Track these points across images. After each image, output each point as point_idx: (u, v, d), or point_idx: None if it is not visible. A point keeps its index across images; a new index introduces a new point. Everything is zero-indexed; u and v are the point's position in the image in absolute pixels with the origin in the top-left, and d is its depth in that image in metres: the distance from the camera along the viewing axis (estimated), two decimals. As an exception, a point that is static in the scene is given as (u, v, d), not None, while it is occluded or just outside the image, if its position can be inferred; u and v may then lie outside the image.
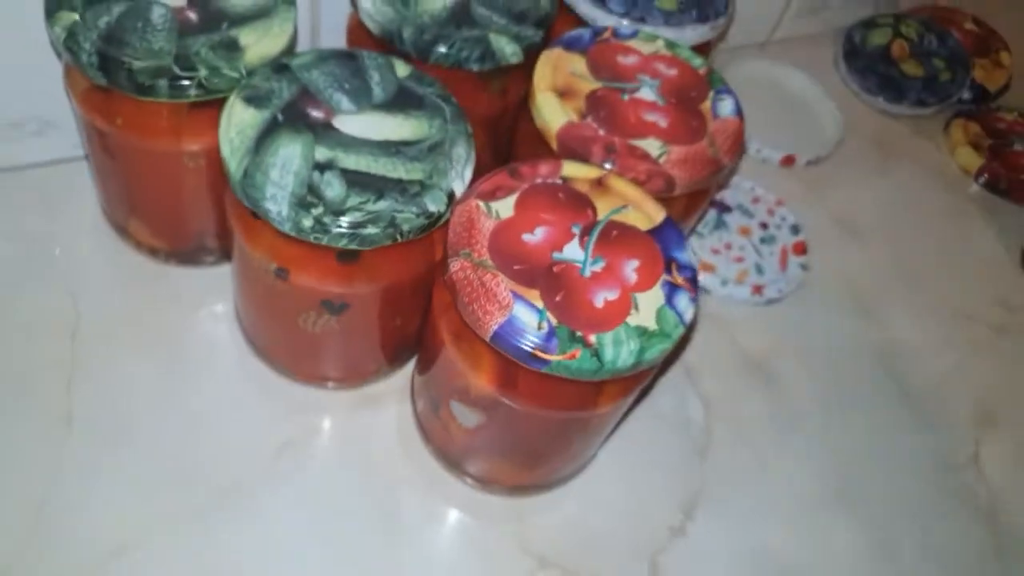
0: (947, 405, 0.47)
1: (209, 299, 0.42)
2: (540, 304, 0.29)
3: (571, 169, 0.34)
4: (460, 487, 0.39)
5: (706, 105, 0.38)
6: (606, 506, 0.40)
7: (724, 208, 0.51)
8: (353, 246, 0.31)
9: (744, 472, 0.42)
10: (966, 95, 0.63)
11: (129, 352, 0.40)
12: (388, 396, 0.41)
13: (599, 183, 0.34)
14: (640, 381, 0.32)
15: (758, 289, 0.48)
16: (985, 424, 0.46)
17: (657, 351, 0.29)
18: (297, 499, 0.37)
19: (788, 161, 0.55)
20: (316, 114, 0.33)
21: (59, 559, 0.34)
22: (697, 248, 0.49)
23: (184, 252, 0.42)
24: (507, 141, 0.41)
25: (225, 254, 0.42)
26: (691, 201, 0.37)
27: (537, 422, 0.32)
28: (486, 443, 0.35)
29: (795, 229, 0.51)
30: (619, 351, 0.29)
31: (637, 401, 0.40)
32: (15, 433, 0.36)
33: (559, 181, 0.33)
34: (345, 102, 0.34)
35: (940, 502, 0.43)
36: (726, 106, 0.38)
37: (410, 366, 0.41)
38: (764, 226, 0.51)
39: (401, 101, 0.34)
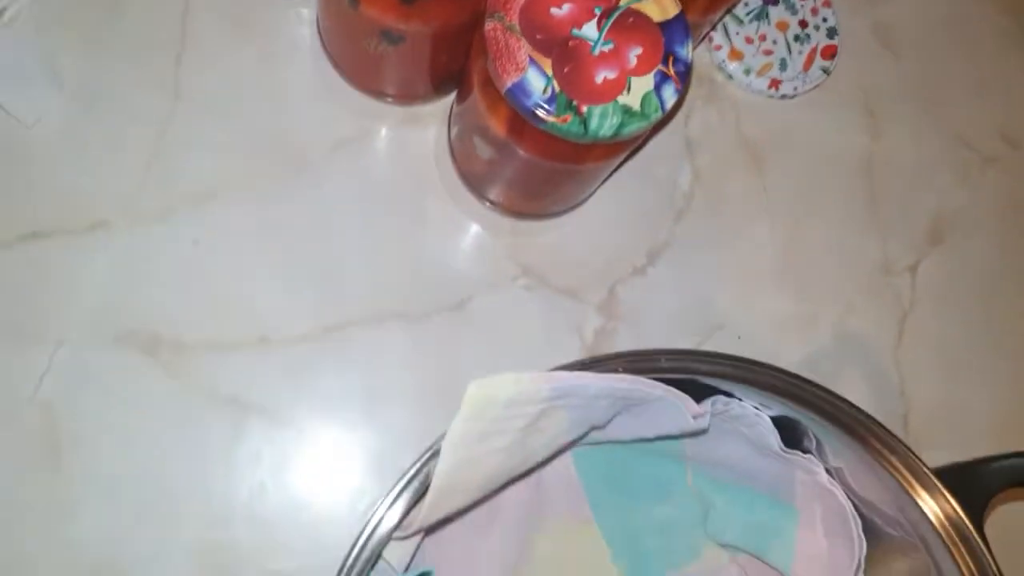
0: (908, 218, 0.53)
1: (297, 2, 0.49)
2: (550, 72, 0.36)
3: (610, -48, 0.38)
4: (475, 203, 0.48)
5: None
6: (586, 240, 0.49)
7: (771, 0, 0.54)
8: (411, -8, 0.37)
9: (709, 239, 0.51)
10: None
11: (227, 36, 0.48)
12: (431, 118, 0.49)
13: (631, -30, 0.38)
14: (622, 148, 0.40)
15: (775, 83, 0.53)
16: (934, 242, 0.53)
17: (634, 128, 0.36)
18: (346, 183, 0.47)
19: (852, -39, 0.57)
20: None
21: (163, 199, 0.45)
22: (733, 35, 0.53)
23: (277, -44, 0.48)
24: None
25: (312, -35, 0.48)
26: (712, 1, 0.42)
27: (536, 166, 0.40)
28: (497, 174, 0.44)
29: (831, 32, 0.54)
30: (603, 123, 0.36)
31: (627, 160, 0.47)
32: (130, 99, 0.46)
33: (597, -38, 0.38)
34: None
35: (870, 299, 0.52)
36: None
37: (452, 96, 0.48)
38: (803, 24, 0.54)
39: None
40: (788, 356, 0.50)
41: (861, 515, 0.40)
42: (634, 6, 0.38)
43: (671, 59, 0.37)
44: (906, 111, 0.55)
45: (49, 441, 0.41)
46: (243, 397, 0.43)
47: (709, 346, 0.49)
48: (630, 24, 0.38)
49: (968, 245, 0.54)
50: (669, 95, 0.37)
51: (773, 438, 0.39)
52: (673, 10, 0.38)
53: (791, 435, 0.40)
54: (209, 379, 0.43)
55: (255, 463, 0.42)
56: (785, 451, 0.40)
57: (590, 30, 0.37)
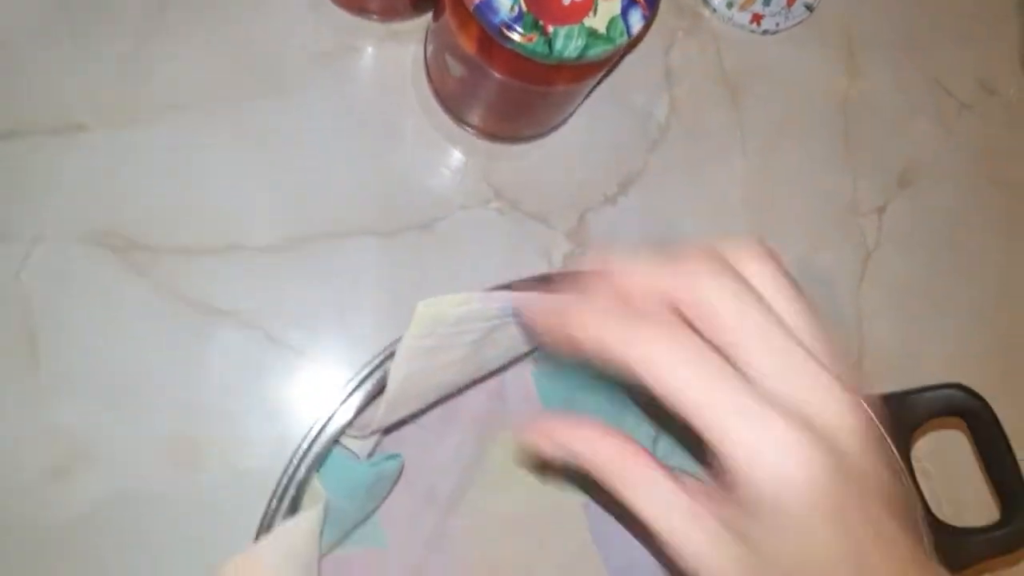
0: (880, 160, 0.54)
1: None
2: (518, -9, 0.36)
3: None
4: (450, 124, 0.49)
5: None
6: (560, 166, 0.50)
7: (761, -69, 0.54)
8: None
9: (682, 171, 0.51)
10: None
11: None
12: (410, 35, 0.49)
13: None
14: (591, 72, 0.40)
15: (757, 18, 0.53)
16: (904, 184, 0.54)
17: (599, 51, 0.37)
18: (324, 98, 0.47)
19: None
20: None
21: (139, 105, 0.45)
22: (719, -34, 0.53)
23: None
24: None
25: None
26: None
27: (506, 87, 0.41)
28: (469, 94, 0.44)
29: (818, -31, 0.54)
30: (568, 44, 0.36)
31: (601, 85, 0.48)
32: (111, 2, 0.46)
33: None
34: None
35: (835, 237, 0.53)
36: None
37: (430, 14, 0.48)
38: (791, -41, 0.54)
39: None
40: (750, 289, 0.51)
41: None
42: (608, -72, 0.38)
43: (641, -16, 0.38)
44: (887, 53, 0.55)
45: (25, 333, 0.42)
46: (214, 300, 0.44)
47: (673, 276, 0.50)
48: (602, -53, 0.38)
49: (937, 190, 0.54)
50: (636, 20, 0.37)
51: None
52: (647, -66, 0.38)
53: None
54: (180, 282, 0.44)
55: (224, 365, 0.44)
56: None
57: (562, -49, 0.37)
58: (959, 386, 0.38)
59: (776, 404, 0.22)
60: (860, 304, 0.52)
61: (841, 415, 0.23)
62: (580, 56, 0.37)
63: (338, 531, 0.37)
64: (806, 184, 0.53)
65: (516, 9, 0.36)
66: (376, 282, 0.46)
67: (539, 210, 0.49)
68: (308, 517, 0.33)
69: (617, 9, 0.37)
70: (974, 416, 0.38)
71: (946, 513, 0.51)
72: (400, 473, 0.39)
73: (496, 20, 0.36)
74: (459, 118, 0.48)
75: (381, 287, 0.46)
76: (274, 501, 0.33)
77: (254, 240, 0.45)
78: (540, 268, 0.49)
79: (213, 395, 0.44)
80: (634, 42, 0.40)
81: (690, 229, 0.51)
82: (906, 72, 0.55)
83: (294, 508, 0.34)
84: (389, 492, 0.40)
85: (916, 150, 0.55)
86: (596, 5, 0.37)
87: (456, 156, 0.49)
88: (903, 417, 0.37)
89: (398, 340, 0.33)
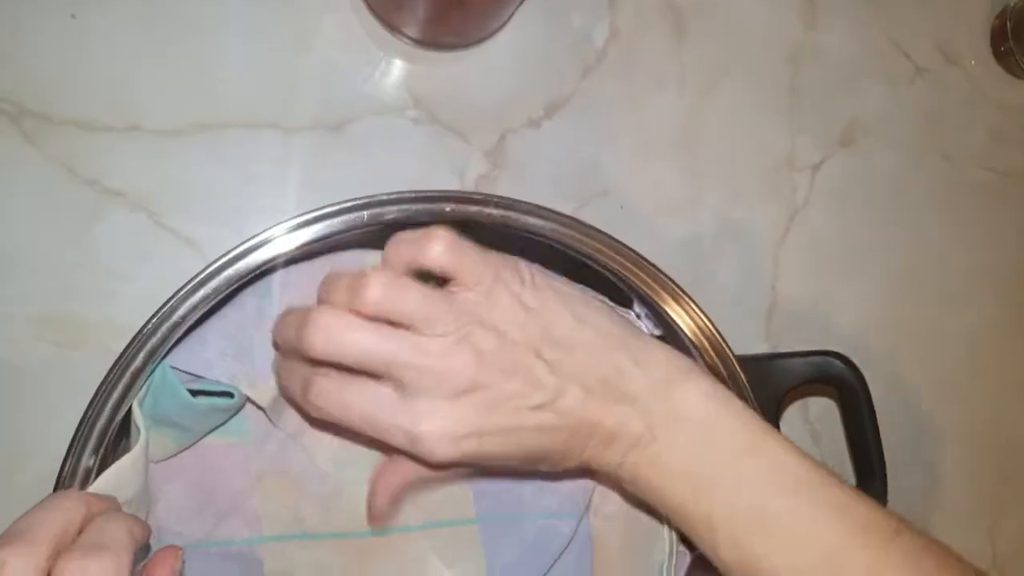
0: (823, 115, 0.52)
1: None
2: None
3: None
4: (374, 23, 0.46)
5: None
6: (486, 81, 0.48)
7: None
8: None
9: (612, 102, 0.49)
10: None
11: None
12: (342, -77, 0.46)
13: None
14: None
15: (715, -51, 0.50)
16: (844, 143, 0.52)
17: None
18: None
19: None
20: None
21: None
22: None
23: None
24: None
25: None
26: None
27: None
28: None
29: (789, -97, 0.51)
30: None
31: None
32: None
33: None
34: None
35: (764, 190, 0.51)
36: None
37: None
38: None
39: None
40: (668, 232, 0.50)
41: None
42: None
43: None
44: (847, 5, 0.52)
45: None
46: (105, 180, 0.43)
47: (589, 211, 0.49)
48: None
49: (877, 153, 0.53)
50: (552, -70, 0.35)
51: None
52: None
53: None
54: (72, 157, 0.43)
55: (110, 246, 0.43)
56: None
57: None
58: (835, 354, 0.37)
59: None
60: (779, 261, 0.51)
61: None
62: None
63: (186, 435, 0.37)
64: (742, 131, 0.51)
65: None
66: (275, 179, 0.45)
67: (458, 125, 0.47)
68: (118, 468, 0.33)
69: (532, -84, 0.35)
70: (846, 386, 0.37)
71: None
72: (241, 406, 0.38)
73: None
74: (382, 18, 0.46)
75: (279, 184, 0.45)
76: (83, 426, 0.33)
77: (154, 122, 0.44)
78: (451, 185, 0.47)
79: (95, 275, 0.43)
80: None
81: (612, 164, 0.49)
82: (865, 28, 0.53)
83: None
84: (230, 417, 0.39)
85: (863, 110, 0.53)
86: (509, -92, 0.35)
87: (377, 57, 0.47)
88: (773, 379, 0.36)
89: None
